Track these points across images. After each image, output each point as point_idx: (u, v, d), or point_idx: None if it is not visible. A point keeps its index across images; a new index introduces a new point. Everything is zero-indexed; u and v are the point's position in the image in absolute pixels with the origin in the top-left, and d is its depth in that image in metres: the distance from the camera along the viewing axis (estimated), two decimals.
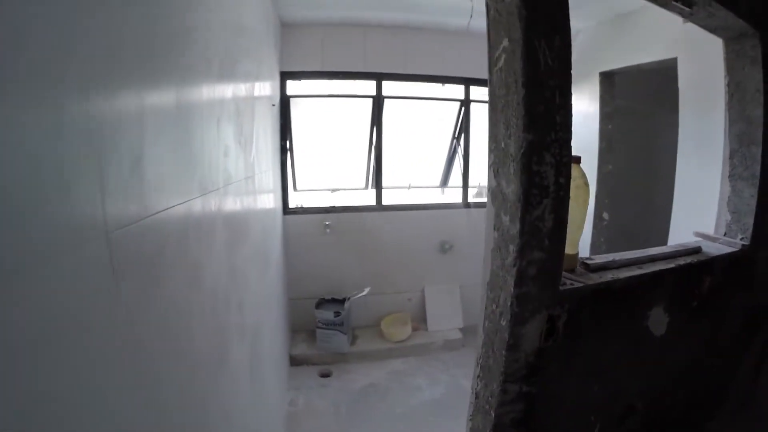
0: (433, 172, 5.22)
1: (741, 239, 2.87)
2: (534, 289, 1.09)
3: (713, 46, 3.11)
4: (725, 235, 2.93)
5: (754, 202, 2.80)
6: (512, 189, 1.05)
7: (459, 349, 4.61)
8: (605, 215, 4.38)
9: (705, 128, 3.28)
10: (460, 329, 4.80)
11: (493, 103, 1.07)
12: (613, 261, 1.43)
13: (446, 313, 4.86)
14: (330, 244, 4.53)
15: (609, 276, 1.34)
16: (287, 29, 4.15)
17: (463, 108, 4.83)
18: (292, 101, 4.37)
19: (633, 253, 1.54)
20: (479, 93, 4.87)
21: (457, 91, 4.84)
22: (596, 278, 1.31)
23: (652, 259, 1.59)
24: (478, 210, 5.05)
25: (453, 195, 5.26)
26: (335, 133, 4.74)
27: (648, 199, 6.64)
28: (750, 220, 2.81)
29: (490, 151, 1.07)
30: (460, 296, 4.98)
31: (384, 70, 4.44)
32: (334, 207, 4.60)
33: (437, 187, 5.28)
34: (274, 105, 3.60)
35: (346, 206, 4.66)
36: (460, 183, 5.10)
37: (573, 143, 3.83)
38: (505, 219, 1.08)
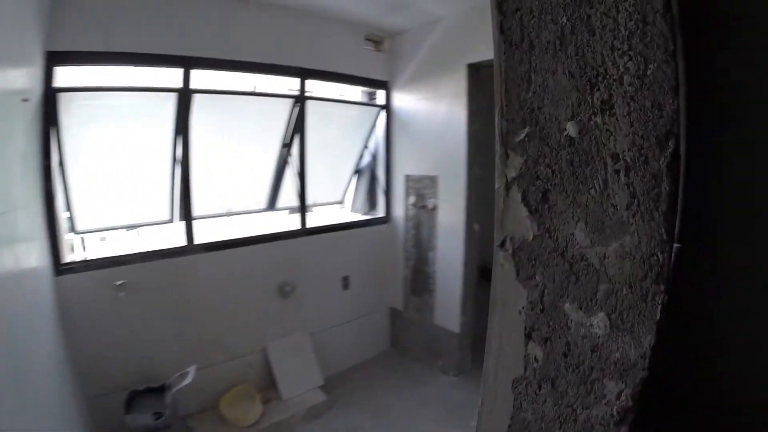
0: (259, 190, 4.03)
1: None
2: None
3: None
4: None
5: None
6: None
7: (325, 414, 3.66)
8: (476, 226, 3.93)
9: None
10: (322, 388, 3.83)
11: None
12: None
13: (300, 371, 3.92)
14: (131, 310, 3.13)
15: None
16: None
17: (297, 106, 3.80)
18: (63, 97, 2.76)
19: None
20: (318, 88, 3.95)
21: (290, 85, 3.83)
22: None
23: None
24: (321, 237, 4.21)
25: (287, 220, 4.20)
26: (130, 145, 3.16)
27: None
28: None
29: None
30: (313, 346, 3.99)
31: (194, 54, 3.15)
32: (130, 255, 3.10)
33: (262, 211, 4.10)
34: (26, 100, 2.07)
35: (146, 252, 3.29)
36: (296, 203, 4.05)
37: (438, 147, 4.05)
38: None
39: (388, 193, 4.71)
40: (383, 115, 4.58)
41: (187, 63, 3.18)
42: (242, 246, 3.68)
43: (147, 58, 3.02)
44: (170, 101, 3.18)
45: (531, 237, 0.73)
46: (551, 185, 0.69)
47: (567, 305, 0.70)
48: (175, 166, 3.36)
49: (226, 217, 3.90)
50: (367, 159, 4.80)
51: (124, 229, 3.48)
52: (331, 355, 4.20)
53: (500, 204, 0.78)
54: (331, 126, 4.39)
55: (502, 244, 0.78)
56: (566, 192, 0.68)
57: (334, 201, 4.80)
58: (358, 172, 4.85)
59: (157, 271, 3.23)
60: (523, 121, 0.73)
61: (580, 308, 0.69)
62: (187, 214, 3.44)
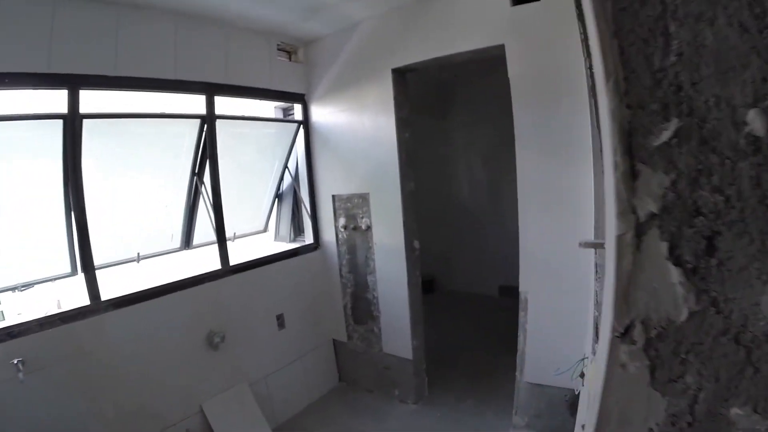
0: (171, 227, 3.47)
1: None
2: None
3: (542, 31, 2.89)
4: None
5: None
6: None
7: None
8: (416, 243, 3.69)
9: (544, 120, 3.02)
10: None
11: None
12: None
13: (245, 427, 3.51)
14: (34, 395, 2.48)
15: None
16: None
17: (205, 127, 3.38)
18: None
19: None
20: (228, 105, 3.52)
21: (195, 104, 3.39)
22: None
23: None
24: (247, 275, 3.73)
25: (207, 258, 3.70)
26: (11, 184, 2.51)
27: (474, 214, 6.42)
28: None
29: None
30: (255, 397, 3.59)
31: (81, 71, 2.61)
32: (24, 325, 2.47)
33: (177, 250, 3.55)
34: None
35: (44, 318, 2.58)
36: (213, 238, 3.55)
37: (366, 161, 3.85)
38: None
39: (314, 216, 4.38)
40: (302, 131, 4.22)
41: (73, 82, 2.63)
42: (158, 296, 3.12)
43: (23, 79, 2.41)
44: (56, 129, 2.57)
45: (684, 317, 0.47)
46: (723, 224, 0.43)
47: (735, 410, 0.46)
48: (69, 202, 2.74)
49: (136, 263, 3.28)
50: (288, 181, 4.39)
51: (16, 290, 2.75)
52: (277, 403, 3.77)
53: (623, 264, 0.49)
54: (246, 147, 3.98)
55: (626, 334, 0.51)
56: (750, 234, 0.42)
57: (256, 230, 4.33)
58: (279, 196, 4.42)
59: (61, 340, 2.61)
60: (664, 108, 0.45)
61: (755, 410, 0.45)
62: (87, 265, 2.84)
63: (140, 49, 2.96)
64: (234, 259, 3.69)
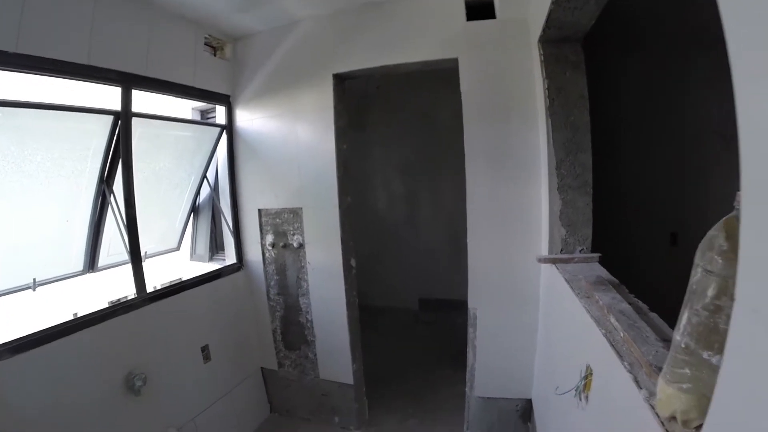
0: (72, 245, 2.88)
1: (580, 250, 2.66)
2: None
3: (497, 49, 2.91)
4: (562, 251, 2.67)
5: (589, 211, 2.63)
6: None
7: None
8: (352, 261, 3.50)
9: (494, 135, 3.02)
10: None
11: None
12: None
13: None
14: None
15: None
16: None
17: (118, 126, 2.85)
18: None
19: None
20: (146, 100, 3.01)
21: (108, 98, 2.82)
22: None
23: None
24: (165, 303, 3.17)
25: (114, 284, 3.09)
26: None
27: (391, 227, 6.04)
28: (588, 230, 2.64)
29: None
30: None
31: None
32: None
33: (79, 274, 2.95)
34: None
35: None
36: (122, 258, 3.04)
37: (300, 173, 3.76)
38: None
39: (237, 233, 3.87)
40: (225, 137, 3.74)
41: None
42: (64, 336, 2.43)
43: None
44: None
45: None
46: None
47: None
48: None
49: (31, 291, 2.61)
50: (206, 192, 3.88)
51: None
52: None
53: None
54: (161, 152, 3.40)
55: None
56: None
57: (168, 249, 3.75)
58: (195, 209, 3.89)
59: None
60: None
61: None
62: None
63: (49, 24, 2.32)
64: (147, 283, 3.12)
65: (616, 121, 3.57)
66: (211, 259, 3.97)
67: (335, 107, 3.38)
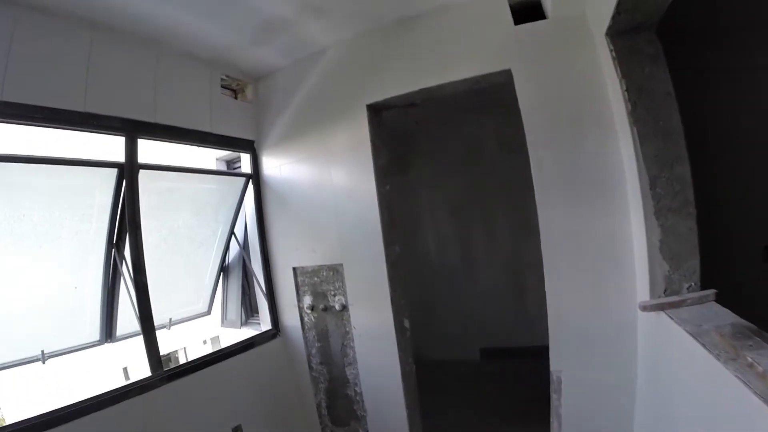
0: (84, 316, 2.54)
1: (688, 288, 2.05)
2: None
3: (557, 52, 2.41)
4: (666, 291, 2.05)
5: (695, 237, 2.03)
6: None
7: None
8: (406, 323, 2.97)
9: (569, 158, 2.48)
10: None
11: None
12: None
13: None
14: None
15: None
16: None
17: (123, 180, 2.52)
18: None
19: None
20: (154, 151, 2.68)
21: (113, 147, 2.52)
22: None
23: None
24: (188, 380, 2.70)
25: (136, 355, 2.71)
26: None
27: (444, 273, 5.59)
28: (695, 261, 2.03)
29: None
30: None
31: None
32: None
33: (95, 344, 2.60)
34: None
35: None
36: (138, 330, 2.65)
37: (337, 224, 2.97)
38: None
39: (271, 295, 3.41)
40: (252, 187, 3.35)
41: None
42: (70, 421, 2.03)
43: None
44: None
45: None
46: None
47: None
48: None
49: (40, 363, 2.26)
50: (235, 250, 3.48)
51: None
52: None
53: None
54: (179, 208, 3.03)
55: None
56: None
57: (198, 314, 3.35)
58: (224, 269, 3.49)
59: None
60: None
61: None
62: None
63: (39, 67, 2.06)
64: (172, 350, 2.69)
65: (703, 124, 2.97)
66: (244, 323, 3.53)
67: (372, 142, 2.94)
